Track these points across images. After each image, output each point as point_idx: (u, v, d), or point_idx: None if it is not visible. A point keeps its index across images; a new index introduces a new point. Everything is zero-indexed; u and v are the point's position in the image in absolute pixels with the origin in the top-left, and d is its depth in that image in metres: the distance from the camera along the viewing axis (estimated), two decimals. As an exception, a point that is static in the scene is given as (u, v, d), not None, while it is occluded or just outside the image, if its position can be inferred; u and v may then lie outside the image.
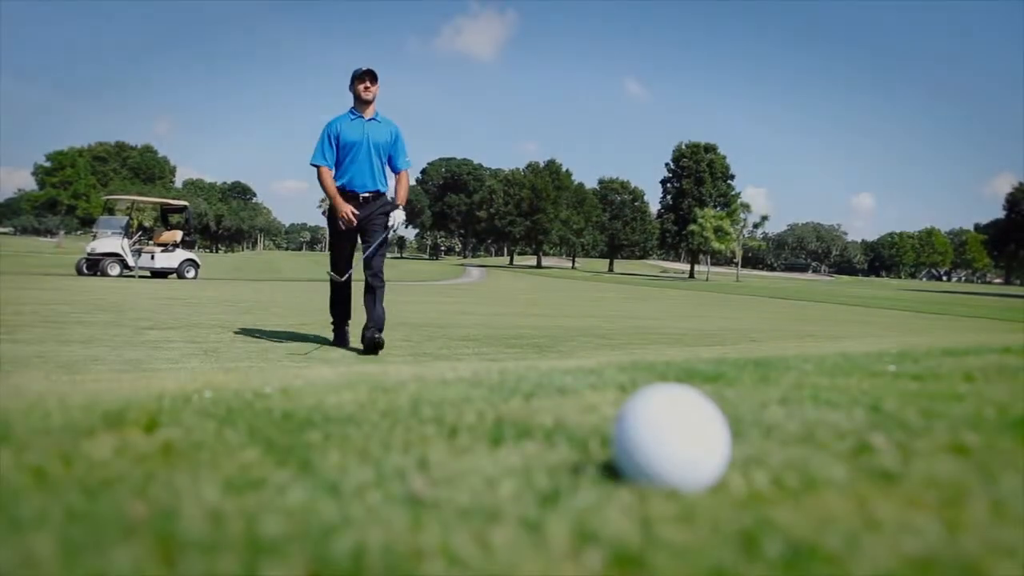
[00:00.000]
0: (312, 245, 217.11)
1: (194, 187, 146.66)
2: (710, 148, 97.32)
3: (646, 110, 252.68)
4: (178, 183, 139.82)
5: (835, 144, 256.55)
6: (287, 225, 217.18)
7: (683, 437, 0.83)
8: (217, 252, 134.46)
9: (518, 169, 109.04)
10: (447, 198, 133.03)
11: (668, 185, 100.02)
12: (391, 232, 6.21)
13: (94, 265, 24.12)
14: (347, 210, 5.95)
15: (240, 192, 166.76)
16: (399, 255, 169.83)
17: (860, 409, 1.31)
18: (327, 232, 6.37)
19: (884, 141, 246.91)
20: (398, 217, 6.19)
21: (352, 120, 6.17)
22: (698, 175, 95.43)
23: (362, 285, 6.06)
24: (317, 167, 6.14)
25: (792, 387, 1.57)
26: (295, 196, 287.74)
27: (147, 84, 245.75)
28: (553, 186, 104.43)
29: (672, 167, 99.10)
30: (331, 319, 6.40)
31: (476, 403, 1.36)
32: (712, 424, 0.86)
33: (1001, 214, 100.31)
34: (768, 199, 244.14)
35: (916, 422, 1.20)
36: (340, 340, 6.30)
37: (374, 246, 6.07)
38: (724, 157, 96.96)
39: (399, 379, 1.71)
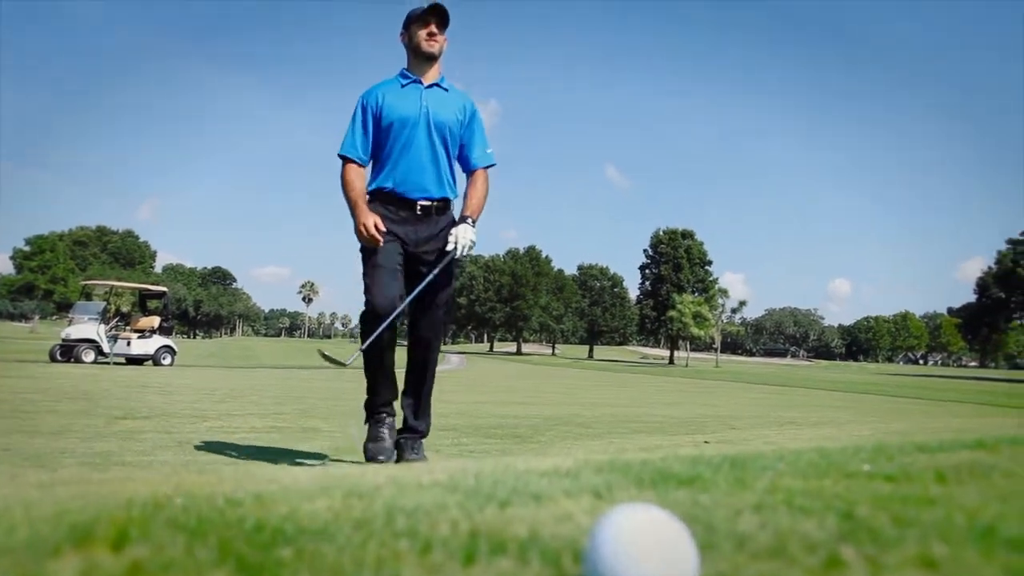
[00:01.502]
0: (291, 331, 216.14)
1: (174, 272, 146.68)
2: (687, 234, 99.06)
3: (625, 196, 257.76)
4: (158, 268, 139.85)
5: (811, 230, 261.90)
6: (266, 311, 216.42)
7: (652, 566, 0.83)
8: (195, 338, 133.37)
9: (498, 255, 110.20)
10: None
11: (647, 271, 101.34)
12: (458, 268, 4.32)
13: (68, 351, 23.82)
14: (371, 220, 3.91)
15: (220, 277, 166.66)
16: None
17: (833, 516, 1.32)
18: (361, 263, 4.07)
19: (858, 227, 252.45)
20: (463, 238, 3.95)
21: (404, 86, 4.14)
22: (676, 261, 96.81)
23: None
24: (344, 159, 4.13)
25: (767, 491, 1.58)
26: (275, 282, 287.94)
27: (133, 170, 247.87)
28: (533, 272, 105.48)
29: (650, 253, 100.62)
30: (368, 406, 4.22)
31: (451, 511, 1.36)
32: (680, 549, 0.87)
33: (972, 298, 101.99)
34: (746, 284, 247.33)
35: (887, 531, 1.21)
36: (376, 439, 4.13)
37: (435, 295, 4.08)
38: (701, 243, 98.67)
39: (375, 483, 1.70)
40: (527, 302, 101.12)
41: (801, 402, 19.38)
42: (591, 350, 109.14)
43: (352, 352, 4.09)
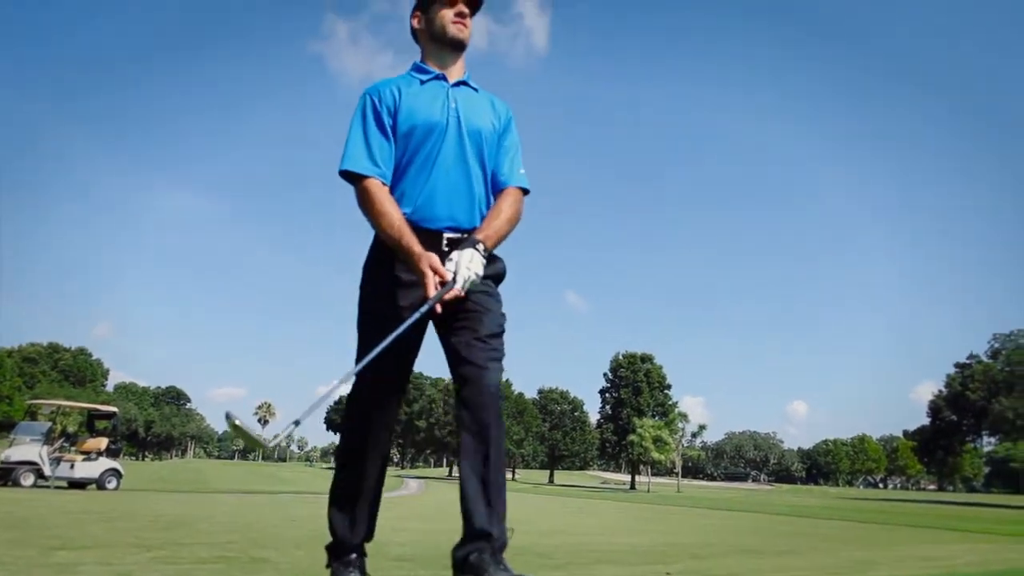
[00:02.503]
0: (245, 454, 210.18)
1: (126, 391, 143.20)
2: (647, 358, 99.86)
3: (585, 320, 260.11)
4: (110, 387, 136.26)
5: (767, 354, 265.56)
6: (220, 432, 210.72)
7: None
8: (144, 460, 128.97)
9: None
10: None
11: (607, 395, 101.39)
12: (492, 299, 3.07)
13: (6, 474, 22.89)
14: (433, 266, 2.76)
15: (174, 397, 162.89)
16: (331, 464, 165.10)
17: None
18: (357, 326, 3.04)
19: (814, 350, 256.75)
20: (464, 267, 2.78)
21: (424, 83, 3.14)
22: (636, 385, 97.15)
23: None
24: (354, 178, 2.97)
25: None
26: (231, 403, 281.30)
27: (89, 287, 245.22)
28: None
29: (610, 377, 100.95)
30: (333, 546, 3.10)
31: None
32: None
33: (927, 421, 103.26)
34: (705, 407, 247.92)
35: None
36: None
37: (484, 354, 2.89)
38: (661, 367, 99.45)
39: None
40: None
41: (764, 528, 19.14)
42: (552, 475, 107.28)
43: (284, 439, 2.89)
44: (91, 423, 27.32)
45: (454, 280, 2.74)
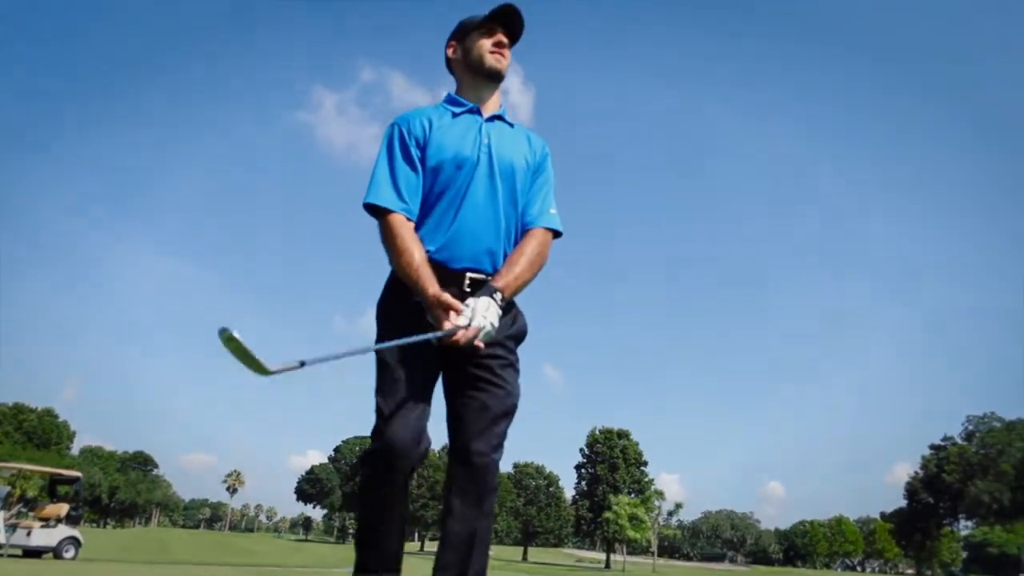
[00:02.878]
0: (212, 523, 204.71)
1: (92, 455, 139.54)
2: (623, 434, 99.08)
3: (562, 394, 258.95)
4: (75, 449, 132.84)
5: (744, 431, 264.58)
6: (187, 500, 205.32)
7: None
8: (106, 527, 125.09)
9: (433, 451, 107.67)
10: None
11: (583, 471, 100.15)
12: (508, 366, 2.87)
13: (-40, 541, 22.05)
14: (446, 302, 2.60)
15: (142, 462, 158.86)
16: (304, 537, 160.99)
17: None
18: (376, 360, 2.79)
19: (789, 430, 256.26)
20: (480, 315, 2.59)
21: (457, 116, 3.01)
22: (612, 461, 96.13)
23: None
24: (379, 212, 2.83)
25: None
26: (201, 471, 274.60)
27: (60, 348, 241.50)
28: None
29: (587, 452, 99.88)
30: (359, 559, 2.81)
31: None
32: None
33: (903, 502, 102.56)
34: (681, 485, 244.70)
35: None
36: None
37: (488, 440, 2.76)
38: (637, 444, 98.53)
39: None
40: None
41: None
42: (525, 552, 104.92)
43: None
44: (53, 488, 26.51)
45: (470, 322, 2.55)
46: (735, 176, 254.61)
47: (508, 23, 3.04)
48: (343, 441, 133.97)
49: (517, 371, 2.88)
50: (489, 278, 2.80)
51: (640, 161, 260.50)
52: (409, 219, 2.83)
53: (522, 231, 2.97)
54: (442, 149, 2.89)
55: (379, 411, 2.69)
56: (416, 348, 2.57)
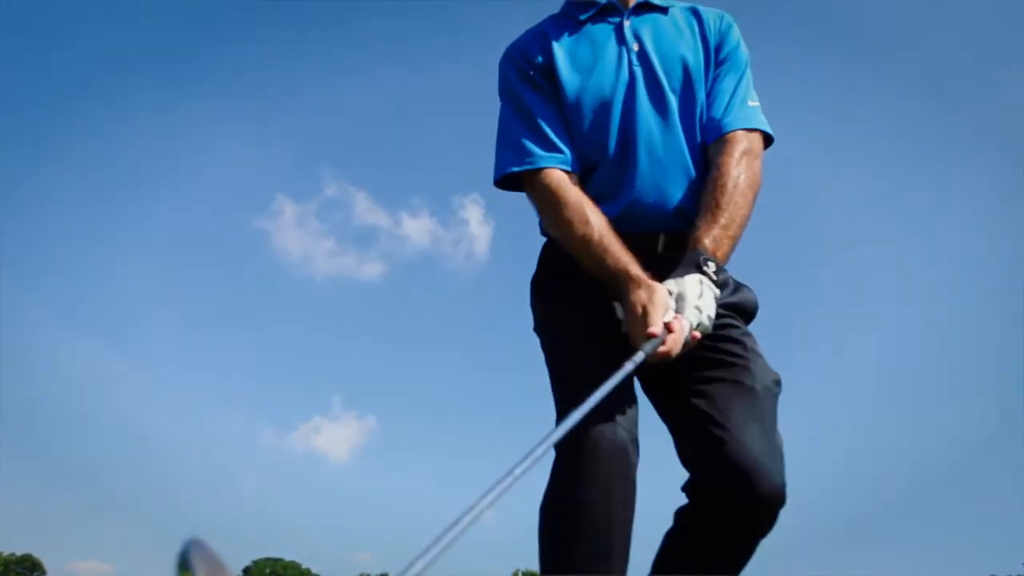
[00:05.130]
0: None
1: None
2: None
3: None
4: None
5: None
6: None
7: None
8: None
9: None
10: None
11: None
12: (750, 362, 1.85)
13: None
14: (646, 305, 1.69)
15: (28, 568, 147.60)
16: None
17: None
18: (550, 352, 1.98)
19: None
20: (690, 310, 1.68)
21: (585, 23, 2.10)
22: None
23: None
24: (524, 180, 2.00)
25: None
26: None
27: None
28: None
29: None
30: None
31: None
32: None
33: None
34: None
35: None
36: None
37: (761, 442, 1.68)
38: None
39: None
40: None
41: None
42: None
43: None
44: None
45: (668, 328, 1.64)
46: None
47: None
48: (253, 562, 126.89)
49: (760, 354, 1.88)
50: (689, 237, 1.86)
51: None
52: (569, 172, 1.97)
53: (712, 140, 2.00)
54: (578, 77, 2.03)
55: (564, 402, 1.85)
56: (606, 355, 1.70)
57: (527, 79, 2.06)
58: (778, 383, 1.85)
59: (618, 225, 1.90)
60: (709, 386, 1.79)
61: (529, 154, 1.97)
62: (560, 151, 1.98)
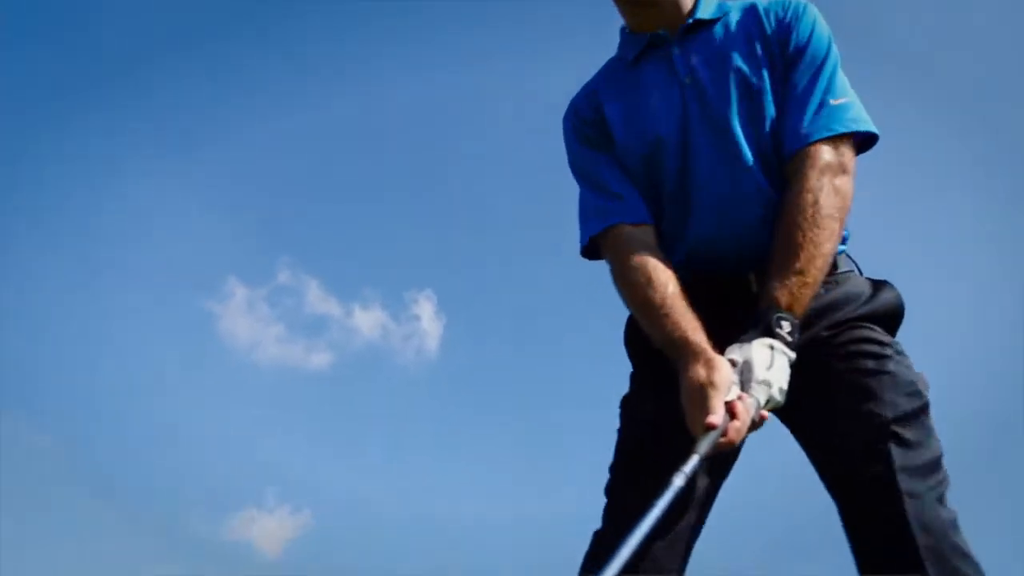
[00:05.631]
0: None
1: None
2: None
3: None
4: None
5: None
6: None
7: None
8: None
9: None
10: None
11: None
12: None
13: None
14: (704, 386, 1.40)
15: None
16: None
17: None
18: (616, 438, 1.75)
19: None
20: (758, 384, 1.42)
21: (636, 62, 1.89)
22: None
23: None
24: (598, 246, 1.84)
25: None
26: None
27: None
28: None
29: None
30: None
31: None
32: None
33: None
34: None
35: None
36: None
37: (913, 478, 1.43)
38: None
39: None
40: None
41: None
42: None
43: None
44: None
45: (731, 411, 1.39)
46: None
47: None
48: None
49: (903, 367, 1.60)
50: (759, 283, 1.64)
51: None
52: (635, 224, 1.78)
53: (789, 163, 1.70)
54: (627, 127, 1.86)
55: (604, 518, 1.70)
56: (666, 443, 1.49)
57: (583, 138, 1.93)
58: (920, 395, 1.57)
59: (694, 268, 1.75)
60: (835, 416, 1.59)
61: (593, 219, 1.85)
62: (622, 205, 1.81)
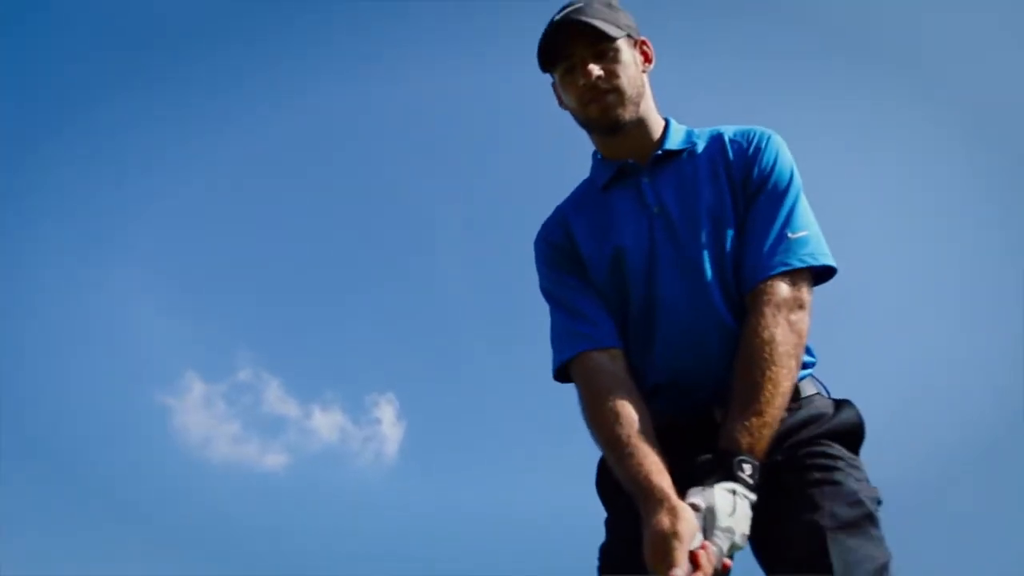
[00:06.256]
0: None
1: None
2: None
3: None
4: None
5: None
6: None
7: None
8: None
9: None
10: None
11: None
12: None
13: None
14: (673, 522, 1.37)
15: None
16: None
17: None
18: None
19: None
20: (723, 526, 1.41)
21: (606, 190, 1.90)
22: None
23: None
24: (569, 375, 1.78)
25: None
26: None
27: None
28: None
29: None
30: None
31: None
32: None
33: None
34: None
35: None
36: None
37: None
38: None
39: None
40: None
41: None
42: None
43: None
44: None
45: (693, 561, 1.37)
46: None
47: (570, 32, 1.76)
48: None
49: (855, 467, 1.65)
50: (722, 417, 1.61)
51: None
52: (603, 348, 1.76)
53: (746, 298, 1.71)
54: (595, 256, 1.86)
55: None
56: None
57: (553, 263, 1.92)
58: (864, 499, 1.58)
59: (658, 404, 1.73)
60: (788, 521, 1.59)
61: (565, 343, 1.82)
62: (594, 329, 1.78)
